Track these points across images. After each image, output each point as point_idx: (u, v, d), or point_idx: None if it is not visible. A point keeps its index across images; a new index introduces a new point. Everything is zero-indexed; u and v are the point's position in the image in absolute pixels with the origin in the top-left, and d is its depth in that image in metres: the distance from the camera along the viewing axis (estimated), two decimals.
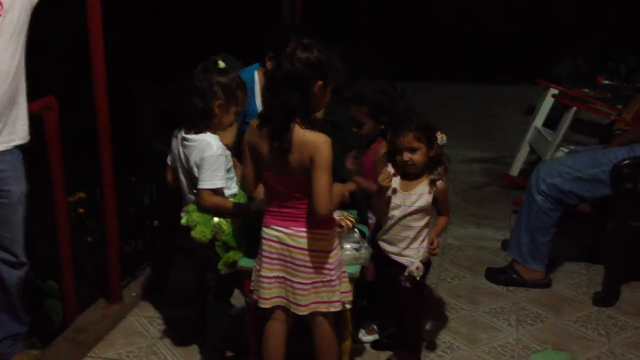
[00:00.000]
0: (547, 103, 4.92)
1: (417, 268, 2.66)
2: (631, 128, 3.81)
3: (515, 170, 5.13)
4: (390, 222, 2.70)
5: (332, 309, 2.43)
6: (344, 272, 2.47)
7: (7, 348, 2.73)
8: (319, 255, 2.37)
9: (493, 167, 5.57)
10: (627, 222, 3.40)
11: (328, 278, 2.39)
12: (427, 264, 2.71)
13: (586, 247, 4.02)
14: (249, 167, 2.41)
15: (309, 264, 2.36)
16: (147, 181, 3.87)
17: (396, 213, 2.68)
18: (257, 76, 3.22)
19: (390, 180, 2.64)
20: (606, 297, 3.45)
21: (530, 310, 3.38)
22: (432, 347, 3.03)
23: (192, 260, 2.93)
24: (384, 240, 2.74)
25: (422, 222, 2.68)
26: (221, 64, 2.66)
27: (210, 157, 2.58)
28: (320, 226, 2.35)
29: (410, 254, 2.69)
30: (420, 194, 2.66)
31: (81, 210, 3.30)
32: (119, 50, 3.16)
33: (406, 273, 2.68)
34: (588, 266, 3.85)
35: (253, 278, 2.50)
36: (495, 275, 3.67)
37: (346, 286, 2.46)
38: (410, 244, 2.68)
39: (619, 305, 3.42)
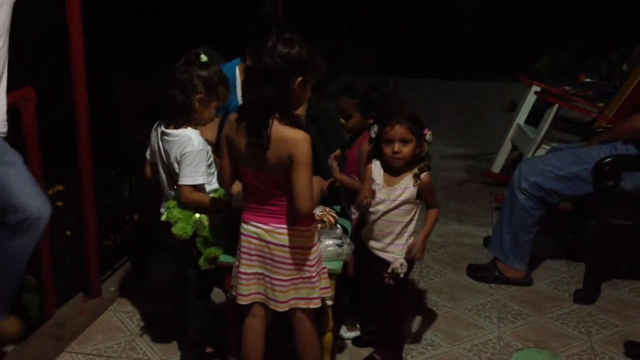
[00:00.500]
0: (530, 100, 4.94)
1: (401, 265, 2.64)
2: (613, 126, 3.83)
3: (497, 167, 5.14)
4: (374, 216, 2.68)
5: (311, 306, 2.41)
6: (324, 268, 2.45)
7: None
8: (298, 251, 2.34)
9: (475, 164, 5.58)
10: (608, 220, 3.42)
11: (308, 275, 2.37)
12: (410, 261, 2.69)
13: (567, 245, 4.03)
14: (226, 161, 2.37)
15: (289, 261, 2.34)
16: (127, 174, 3.83)
17: (381, 208, 2.66)
18: (238, 71, 3.19)
19: (372, 199, 2.64)
20: (587, 295, 3.46)
21: (511, 308, 3.38)
22: (413, 343, 3.02)
23: (171, 256, 2.89)
24: (368, 236, 2.72)
25: (407, 218, 2.66)
26: (203, 58, 2.62)
27: (191, 153, 2.54)
28: (299, 223, 2.32)
29: (394, 250, 2.67)
30: (405, 187, 2.64)
31: (59, 204, 3.24)
32: (98, 40, 3.11)
33: (390, 270, 2.66)
34: (569, 264, 3.86)
35: (233, 274, 2.48)
36: (477, 272, 3.68)
37: (325, 282, 2.44)
38: (394, 239, 2.66)
39: (599, 303, 3.44)
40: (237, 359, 2.63)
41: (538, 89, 4.90)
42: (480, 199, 4.87)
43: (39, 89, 2.85)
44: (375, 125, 2.68)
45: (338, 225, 2.74)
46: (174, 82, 2.57)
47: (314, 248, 2.39)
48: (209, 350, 2.87)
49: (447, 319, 3.25)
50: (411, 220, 2.68)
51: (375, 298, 2.83)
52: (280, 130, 2.20)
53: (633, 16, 7.13)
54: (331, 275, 2.55)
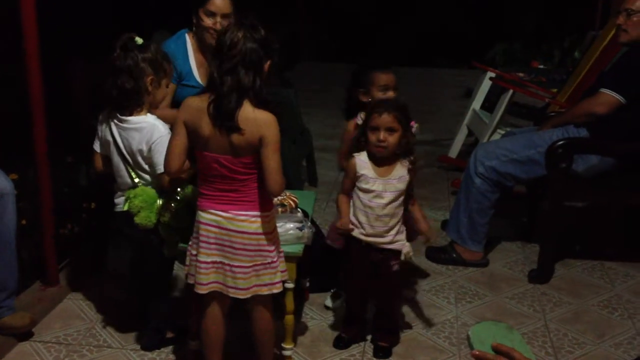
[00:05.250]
0: (485, 86, 5.01)
1: (409, 252, 2.72)
2: (565, 110, 3.92)
3: (454, 152, 5.21)
4: (376, 212, 2.67)
5: (274, 290, 2.42)
6: (281, 251, 2.46)
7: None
8: (259, 237, 2.35)
9: (431, 149, 5.65)
10: (561, 202, 3.51)
11: (269, 260, 2.38)
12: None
13: (522, 226, 4.13)
14: (180, 146, 2.32)
15: (250, 247, 2.34)
16: (83, 161, 3.76)
17: (382, 201, 2.66)
18: (188, 38, 3.23)
19: (350, 230, 2.71)
20: (541, 275, 3.55)
21: (468, 288, 3.45)
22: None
23: (130, 244, 2.87)
24: (370, 234, 2.71)
25: (402, 206, 2.71)
26: (139, 40, 2.59)
27: (160, 139, 2.52)
28: (258, 208, 2.33)
29: (401, 238, 2.72)
30: (400, 176, 2.67)
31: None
32: (50, 21, 3.05)
33: (402, 257, 2.70)
34: (523, 245, 3.95)
35: (187, 262, 2.46)
36: (436, 254, 3.73)
37: (283, 265, 2.45)
38: (399, 229, 2.71)
39: (553, 282, 3.53)
40: (198, 344, 2.63)
41: (493, 75, 4.97)
42: (437, 183, 4.94)
43: None
44: (363, 112, 2.69)
45: (298, 209, 2.76)
46: (118, 70, 2.54)
47: (274, 233, 2.41)
48: (169, 335, 2.87)
49: (405, 300, 3.29)
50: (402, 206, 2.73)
51: (365, 292, 2.86)
52: (251, 112, 2.21)
53: (584, 4, 7.28)
54: (292, 258, 2.57)
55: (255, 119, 2.21)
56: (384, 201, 2.66)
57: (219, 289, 2.40)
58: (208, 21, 3.08)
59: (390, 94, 2.89)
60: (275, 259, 2.39)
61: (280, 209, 2.67)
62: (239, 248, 2.34)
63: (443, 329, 3.07)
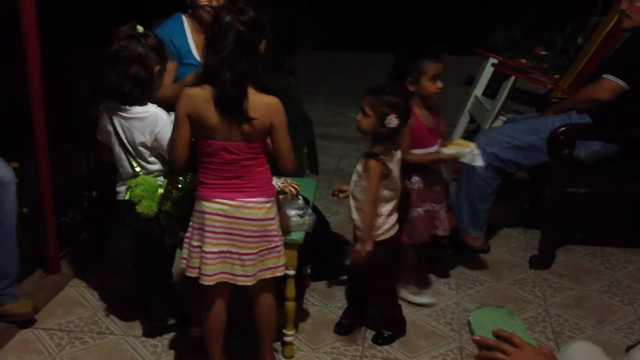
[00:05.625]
0: (487, 72, 4.99)
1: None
2: (567, 96, 3.90)
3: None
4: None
5: (277, 274, 2.43)
6: (281, 235, 2.47)
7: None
8: (265, 223, 2.35)
9: None
10: (562, 188, 3.50)
11: (274, 244, 2.39)
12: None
13: (523, 213, 4.12)
14: (184, 138, 2.31)
15: (257, 234, 2.34)
16: (83, 149, 3.76)
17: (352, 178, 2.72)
18: (184, 19, 3.21)
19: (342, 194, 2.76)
20: (542, 261, 3.55)
21: (469, 274, 3.45)
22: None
23: (132, 233, 2.86)
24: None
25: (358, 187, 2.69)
26: (140, 29, 2.56)
27: (164, 127, 2.53)
28: (264, 194, 2.35)
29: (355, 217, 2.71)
30: (362, 160, 2.67)
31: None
32: (50, 9, 3.04)
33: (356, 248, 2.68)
34: (525, 231, 3.95)
35: (186, 254, 2.42)
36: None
37: (283, 248, 2.46)
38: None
39: (554, 268, 3.53)
40: (199, 330, 2.63)
41: (495, 61, 4.95)
42: None
43: None
44: (393, 115, 2.61)
45: (299, 197, 2.76)
46: (127, 60, 2.50)
47: (277, 217, 2.42)
48: (171, 321, 2.87)
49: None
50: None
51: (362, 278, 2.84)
52: (259, 98, 2.23)
53: None
54: (293, 245, 2.57)
55: (265, 105, 2.24)
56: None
57: (227, 279, 2.38)
58: None
59: (439, 84, 2.88)
60: (279, 243, 2.41)
61: (281, 196, 2.66)
62: (248, 235, 2.33)
63: (444, 314, 3.07)
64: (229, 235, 2.33)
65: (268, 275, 2.41)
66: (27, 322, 2.89)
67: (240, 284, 2.39)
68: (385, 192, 2.65)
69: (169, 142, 2.43)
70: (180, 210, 2.58)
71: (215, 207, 2.32)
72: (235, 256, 2.35)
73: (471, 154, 2.90)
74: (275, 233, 2.39)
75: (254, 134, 2.25)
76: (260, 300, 2.50)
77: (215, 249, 2.34)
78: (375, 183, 2.59)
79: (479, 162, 2.95)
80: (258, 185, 2.32)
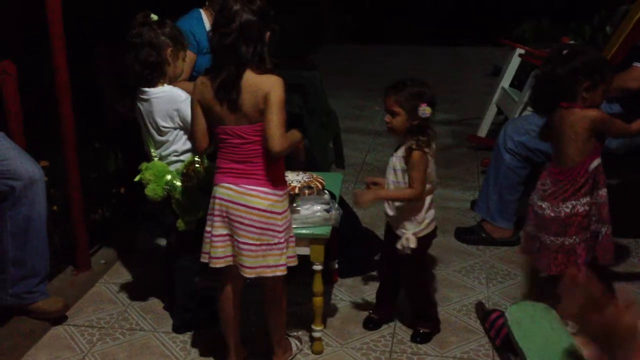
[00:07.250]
0: (514, 63, 4.93)
1: (407, 239, 2.64)
2: None
3: (483, 132, 5.15)
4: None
5: (278, 273, 2.38)
6: (292, 236, 2.44)
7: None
8: (268, 216, 2.32)
9: (459, 129, 5.59)
10: None
11: (276, 241, 2.35)
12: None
13: None
14: (201, 125, 2.37)
15: (257, 225, 2.32)
16: (111, 147, 3.79)
17: (389, 177, 2.69)
18: (203, 12, 3.34)
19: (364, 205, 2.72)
20: None
21: (499, 268, 3.41)
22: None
23: (155, 225, 2.90)
24: (389, 216, 2.73)
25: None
26: (154, 17, 2.66)
27: (184, 103, 2.58)
28: (270, 185, 2.32)
29: (406, 225, 2.67)
30: (401, 156, 2.64)
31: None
32: (75, 7, 3.07)
33: (399, 246, 2.66)
34: None
35: (204, 239, 2.43)
36: (465, 234, 3.70)
37: (293, 250, 2.42)
38: (404, 215, 2.67)
39: None
40: None
41: (522, 51, 4.90)
42: (466, 164, 4.89)
43: (19, 62, 2.82)
44: (425, 105, 2.58)
45: (325, 191, 2.75)
46: (139, 46, 2.60)
47: (285, 214, 2.37)
48: (201, 314, 2.87)
49: (436, 281, 3.27)
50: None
51: (393, 274, 2.83)
52: (252, 77, 2.22)
53: None
54: (320, 240, 2.56)
55: (259, 82, 2.22)
56: (391, 178, 2.68)
57: (234, 262, 2.38)
58: None
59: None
60: (282, 241, 2.36)
61: (307, 191, 2.65)
62: (247, 224, 2.31)
63: (475, 310, 3.04)
64: (229, 220, 2.34)
65: (269, 273, 2.36)
66: (59, 319, 2.92)
67: (241, 273, 2.37)
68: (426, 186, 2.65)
69: (190, 128, 2.48)
70: (191, 200, 2.64)
71: (222, 192, 2.34)
72: (235, 243, 2.35)
73: None
74: (280, 229, 2.34)
75: (252, 114, 2.23)
76: (268, 297, 2.51)
77: (222, 232, 2.36)
78: (423, 173, 2.59)
79: None
80: (265, 175, 2.30)
